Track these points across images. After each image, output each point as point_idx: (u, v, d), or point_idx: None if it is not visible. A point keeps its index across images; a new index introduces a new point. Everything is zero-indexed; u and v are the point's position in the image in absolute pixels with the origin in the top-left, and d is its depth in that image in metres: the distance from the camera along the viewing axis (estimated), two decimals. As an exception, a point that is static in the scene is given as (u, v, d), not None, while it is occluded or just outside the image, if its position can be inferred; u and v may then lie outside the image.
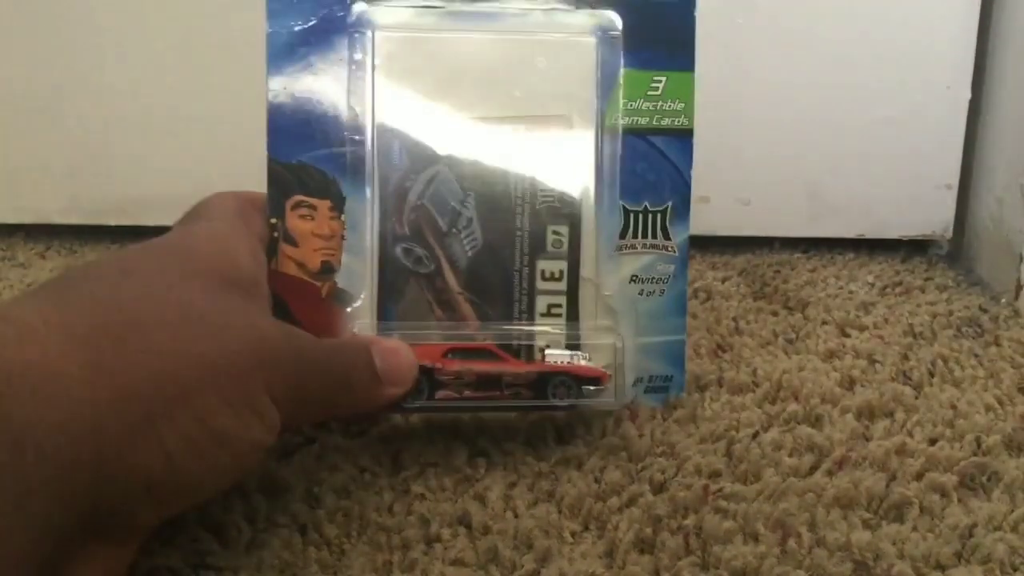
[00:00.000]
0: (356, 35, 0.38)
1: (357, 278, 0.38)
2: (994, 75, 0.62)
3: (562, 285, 0.39)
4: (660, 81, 0.39)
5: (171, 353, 0.27)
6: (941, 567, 0.32)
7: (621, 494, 0.35)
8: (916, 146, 0.64)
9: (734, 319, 0.53)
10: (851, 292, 0.58)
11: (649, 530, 0.33)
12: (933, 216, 0.65)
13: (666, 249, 0.40)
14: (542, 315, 0.39)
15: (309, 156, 0.38)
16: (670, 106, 0.40)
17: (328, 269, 0.38)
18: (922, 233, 0.66)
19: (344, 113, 0.38)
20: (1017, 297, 0.56)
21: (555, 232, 0.39)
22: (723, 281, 0.60)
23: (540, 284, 0.39)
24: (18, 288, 0.60)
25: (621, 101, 0.39)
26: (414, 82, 0.39)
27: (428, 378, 0.37)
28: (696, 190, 0.65)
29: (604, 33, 0.39)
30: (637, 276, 0.40)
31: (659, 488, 0.36)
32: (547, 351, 0.39)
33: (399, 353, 0.35)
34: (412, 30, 0.39)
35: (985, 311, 0.54)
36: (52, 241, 0.69)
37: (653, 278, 0.40)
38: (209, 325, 0.29)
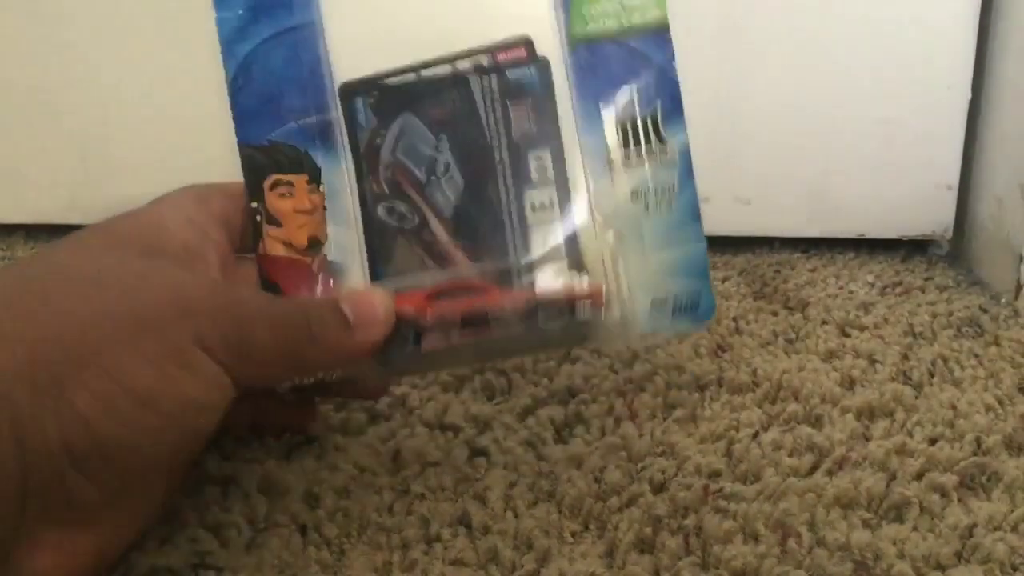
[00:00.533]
0: (302, 3, 0.37)
1: (346, 247, 0.37)
2: (994, 75, 0.62)
3: (555, 213, 0.37)
4: None
5: (77, 315, 0.27)
6: (941, 567, 0.32)
7: (621, 494, 0.35)
8: (916, 146, 0.64)
9: (734, 319, 0.53)
10: (851, 292, 0.58)
11: (649, 530, 0.33)
12: (933, 216, 0.65)
13: (663, 154, 0.38)
14: (540, 251, 0.37)
15: (278, 133, 0.37)
16: (637, 2, 0.37)
17: (315, 243, 0.37)
18: (922, 233, 0.66)
19: (304, 83, 0.37)
20: (1017, 297, 0.56)
21: (537, 158, 0.37)
22: (723, 281, 0.60)
23: (531, 216, 0.37)
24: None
25: (583, 5, 0.37)
26: (366, 35, 0.37)
27: (411, 327, 0.35)
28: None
29: None
30: (637, 192, 0.38)
31: (659, 488, 0.36)
32: (537, 275, 0.36)
33: (368, 296, 0.34)
34: None
35: (985, 311, 0.54)
36: (52, 241, 0.69)
37: (656, 190, 0.38)
38: (121, 286, 0.29)
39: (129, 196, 0.71)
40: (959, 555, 0.32)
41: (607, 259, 0.37)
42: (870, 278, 0.61)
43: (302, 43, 0.37)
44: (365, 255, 0.37)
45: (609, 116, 0.37)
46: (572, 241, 0.37)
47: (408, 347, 0.35)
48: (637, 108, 0.37)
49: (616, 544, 0.33)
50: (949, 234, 0.65)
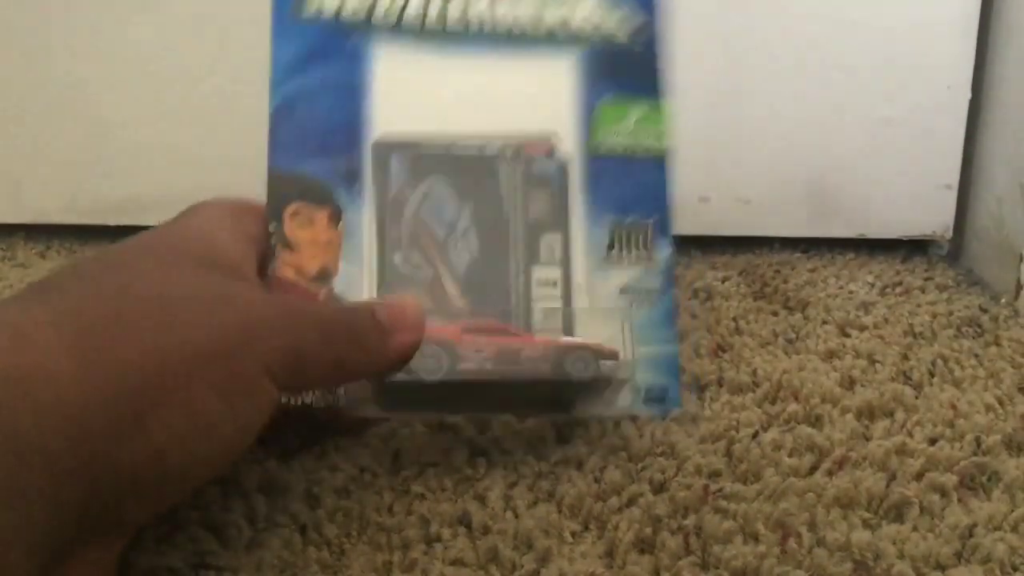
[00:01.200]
0: (356, 59, 0.40)
1: (355, 285, 0.39)
2: (994, 75, 0.62)
3: (558, 291, 0.40)
4: (637, 109, 0.42)
5: (153, 345, 0.27)
6: (941, 567, 0.32)
7: (621, 494, 0.35)
8: (916, 146, 0.64)
9: (734, 319, 0.53)
10: (851, 292, 0.58)
11: (649, 530, 0.33)
12: (933, 216, 0.65)
13: (650, 263, 0.41)
14: (539, 320, 0.40)
15: (308, 166, 0.39)
16: (648, 131, 0.42)
17: (325, 275, 0.39)
18: (922, 233, 0.66)
19: (342, 126, 0.39)
20: (1017, 297, 0.56)
21: (549, 241, 0.40)
22: (723, 281, 0.60)
23: (537, 290, 0.40)
24: (18, 288, 0.60)
25: (600, 127, 0.41)
26: (410, 98, 0.40)
27: (448, 351, 0.37)
28: (696, 190, 0.66)
29: (581, 66, 0.42)
30: (627, 287, 0.41)
31: (659, 488, 0.36)
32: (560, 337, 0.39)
33: (400, 303, 0.35)
34: (409, 54, 0.41)
35: (985, 311, 0.54)
36: (52, 241, 0.69)
37: (641, 290, 0.41)
38: (192, 309, 0.29)
39: (129, 196, 0.71)
40: (959, 555, 0.32)
41: (605, 336, 0.40)
42: (870, 278, 0.61)
43: (348, 94, 0.40)
44: (375, 296, 0.39)
45: (610, 219, 0.41)
46: (568, 315, 0.40)
47: (442, 370, 0.37)
48: (632, 219, 0.41)
49: (616, 544, 0.33)
50: (949, 234, 0.65)
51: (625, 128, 0.42)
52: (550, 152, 0.41)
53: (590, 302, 0.41)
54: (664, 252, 0.42)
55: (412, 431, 0.40)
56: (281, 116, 0.39)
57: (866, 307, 0.55)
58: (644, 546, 0.33)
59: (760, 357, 0.48)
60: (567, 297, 0.40)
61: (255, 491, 0.36)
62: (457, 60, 0.41)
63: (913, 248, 0.67)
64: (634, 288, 0.41)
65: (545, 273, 0.40)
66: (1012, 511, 0.34)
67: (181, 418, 0.27)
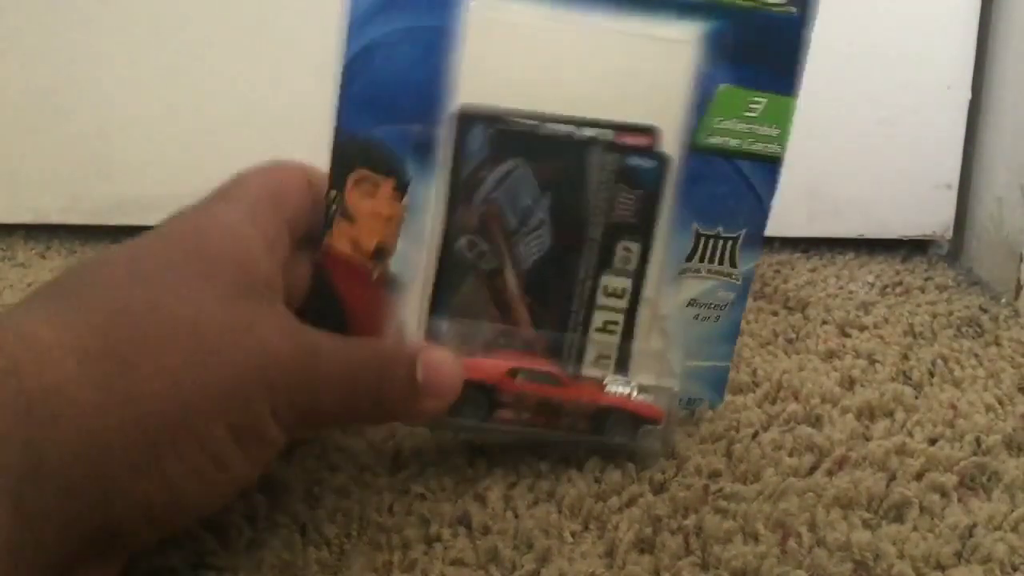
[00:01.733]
0: (446, 5, 0.35)
1: (411, 265, 0.36)
2: (994, 75, 0.62)
3: (623, 303, 0.38)
4: (759, 103, 0.37)
5: (179, 378, 0.27)
6: (941, 567, 0.32)
7: (621, 494, 0.35)
8: (916, 146, 0.64)
9: (734, 319, 0.53)
10: (851, 292, 0.58)
11: (649, 530, 0.33)
12: (933, 216, 0.65)
13: (730, 276, 0.38)
14: (597, 330, 0.38)
15: (379, 130, 0.35)
16: (764, 131, 0.37)
17: (382, 252, 0.36)
18: (922, 233, 0.66)
19: (424, 90, 0.35)
20: (1017, 297, 0.56)
21: (626, 248, 0.37)
22: (723, 281, 0.60)
23: (601, 299, 0.37)
24: (18, 288, 0.60)
25: (714, 118, 0.36)
26: (504, 66, 0.36)
27: (488, 396, 0.36)
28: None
29: (708, 42, 0.36)
30: (695, 300, 0.38)
31: (659, 488, 0.36)
32: (608, 378, 0.38)
33: (445, 365, 0.33)
34: (510, 8, 0.35)
35: (985, 311, 0.54)
36: (52, 241, 0.69)
37: (711, 304, 0.39)
38: (218, 344, 0.28)
39: (129, 196, 0.71)
40: (959, 555, 0.32)
41: (653, 358, 0.38)
42: (870, 278, 0.61)
43: (432, 46, 0.35)
44: (431, 280, 0.37)
45: (698, 227, 0.38)
46: (629, 329, 0.38)
47: (480, 416, 0.36)
48: (723, 228, 0.38)
49: (616, 544, 0.33)
50: (949, 234, 0.65)
51: (741, 122, 0.37)
52: (650, 146, 0.36)
53: (653, 315, 0.38)
54: (748, 264, 0.38)
55: (412, 431, 0.40)
56: (355, 70, 0.35)
57: (866, 307, 0.55)
58: (644, 546, 0.33)
59: (760, 357, 0.48)
60: (631, 310, 0.38)
61: (255, 491, 0.36)
62: (563, 15, 0.35)
63: (913, 248, 0.67)
64: (703, 301, 0.38)
65: (614, 283, 0.37)
66: (1012, 511, 0.34)
67: (197, 456, 0.27)
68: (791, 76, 0.37)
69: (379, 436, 0.40)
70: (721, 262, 0.38)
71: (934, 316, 0.53)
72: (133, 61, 0.65)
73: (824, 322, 0.53)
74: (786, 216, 0.66)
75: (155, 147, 0.66)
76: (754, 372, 0.46)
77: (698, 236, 0.38)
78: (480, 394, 0.35)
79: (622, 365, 0.38)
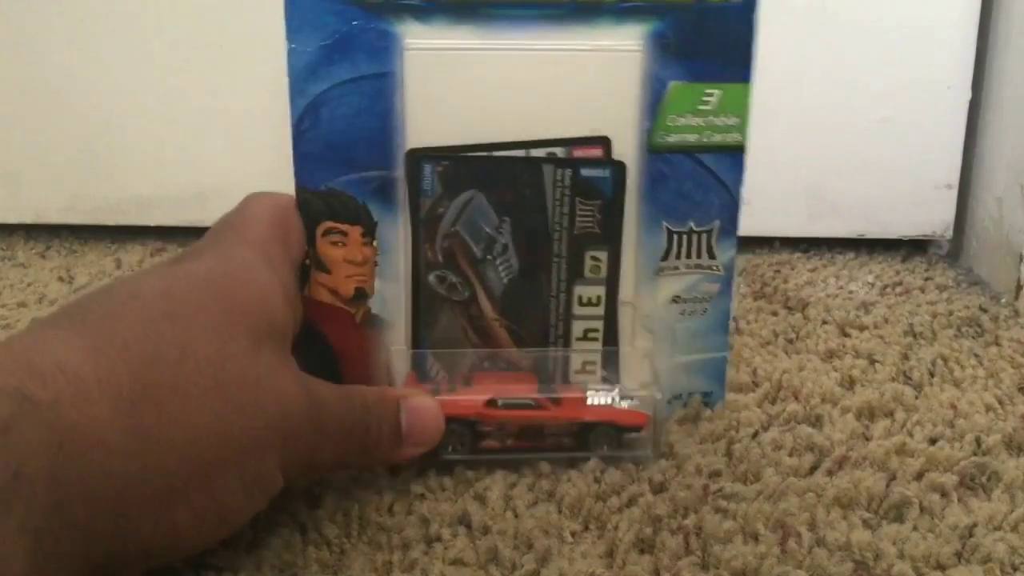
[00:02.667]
0: (383, 53, 0.35)
1: (391, 304, 0.38)
2: (994, 75, 0.62)
3: (599, 310, 0.38)
4: (712, 95, 0.36)
5: (202, 429, 0.28)
6: (941, 567, 0.32)
7: (621, 494, 0.35)
8: (916, 146, 0.64)
9: (734, 319, 0.53)
10: (851, 292, 0.58)
11: (649, 530, 0.33)
12: (933, 216, 0.65)
13: (711, 269, 0.38)
14: (578, 339, 0.38)
15: (338, 181, 0.36)
16: (722, 121, 0.37)
17: (362, 295, 0.38)
18: (922, 233, 0.66)
19: (374, 137, 0.36)
20: (1017, 297, 0.56)
21: (593, 258, 0.38)
22: (723, 281, 0.60)
23: (577, 310, 0.38)
24: (18, 288, 0.60)
25: (668, 116, 0.36)
26: (446, 103, 0.36)
27: (471, 429, 0.37)
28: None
29: (652, 43, 0.36)
30: (679, 297, 0.39)
31: (659, 488, 0.36)
32: (588, 390, 0.38)
33: (427, 412, 0.35)
34: (443, 46, 0.36)
35: (985, 311, 0.54)
36: (52, 241, 0.69)
37: (696, 298, 0.39)
38: (241, 396, 0.29)
39: (129, 196, 0.71)
40: (959, 555, 0.32)
41: (639, 361, 0.39)
42: (870, 278, 0.61)
43: (377, 94, 0.36)
44: (409, 316, 0.38)
45: (668, 225, 0.38)
46: (611, 334, 0.38)
47: (465, 450, 0.37)
48: (694, 223, 0.38)
49: (616, 544, 0.33)
50: (949, 234, 0.65)
51: (696, 117, 0.37)
52: (604, 156, 0.37)
53: (637, 317, 0.38)
54: (727, 254, 0.38)
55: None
56: (305, 126, 0.36)
57: (866, 307, 0.55)
58: (644, 546, 0.33)
59: (760, 357, 0.48)
60: (610, 316, 0.38)
61: (255, 491, 0.36)
62: (500, 41, 0.35)
63: (913, 248, 0.67)
64: (687, 297, 0.39)
65: (588, 292, 0.38)
66: (1012, 511, 0.34)
67: (205, 504, 0.28)
68: (742, 64, 0.36)
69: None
70: (699, 256, 0.38)
71: (934, 316, 0.53)
72: (133, 61, 0.65)
73: (824, 322, 0.53)
74: (786, 216, 0.66)
75: (155, 147, 0.66)
76: (754, 372, 0.46)
77: (670, 234, 0.38)
78: (463, 428, 0.36)
79: (610, 369, 0.39)
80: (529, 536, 0.33)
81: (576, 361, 0.39)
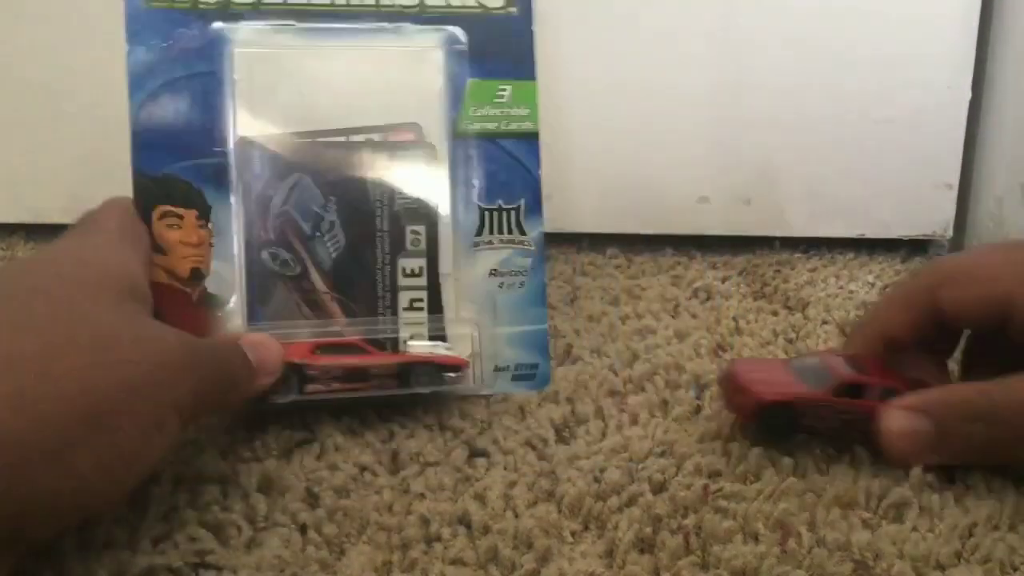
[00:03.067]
0: (213, 53, 0.41)
1: (226, 283, 0.41)
2: (994, 75, 0.62)
3: (422, 280, 0.42)
4: (505, 89, 0.43)
5: (89, 379, 0.28)
6: (941, 567, 0.32)
7: (621, 494, 0.35)
8: (916, 146, 0.64)
9: (734, 319, 0.53)
10: (851, 292, 0.58)
11: (649, 530, 0.33)
12: (933, 216, 0.65)
13: (523, 244, 0.43)
14: (405, 309, 0.42)
15: (175, 167, 0.40)
16: (516, 112, 0.43)
17: (198, 275, 0.40)
18: (922, 233, 0.66)
19: (206, 126, 0.40)
20: (1017, 297, 0.55)
21: (413, 231, 0.42)
22: (723, 281, 0.60)
23: (402, 280, 0.42)
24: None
25: (470, 107, 0.42)
26: (272, 96, 0.41)
27: (298, 374, 0.39)
28: (696, 190, 0.66)
29: (450, 47, 0.42)
30: (496, 270, 0.43)
31: (659, 488, 0.36)
32: (410, 343, 0.41)
33: (266, 345, 0.37)
34: (267, 46, 0.41)
35: (985, 311, 0.54)
36: (52, 240, 0.69)
37: (512, 271, 0.43)
38: (119, 347, 0.30)
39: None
40: (959, 555, 0.32)
41: (463, 326, 0.42)
42: (870, 278, 0.61)
43: (209, 88, 0.41)
44: (244, 293, 0.41)
45: (479, 202, 0.43)
46: (435, 304, 0.42)
47: (293, 393, 0.39)
48: (503, 201, 0.43)
49: (616, 544, 0.33)
50: (949, 234, 0.65)
51: (494, 108, 0.42)
52: (416, 140, 0.42)
53: (457, 288, 0.42)
54: (535, 230, 0.43)
55: (412, 431, 0.40)
56: (143, 118, 0.41)
57: (866, 307, 0.55)
58: (644, 546, 0.33)
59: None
60: (433, 287, 0.42)
61: (255, 491, 0.36)
62: (320, 40, 0.41)
63: (913, 248, 0.67)
64: (503, 270, 0.43)
65: (410, 264, 0.41)
66: (1012, 511, 0.34)
67: (106, 451, 0.28)
68: (527, 64, 0.43)
69: (379, 436, 0.40)
70: (510, 231, 0.43)
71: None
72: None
73: (824, 322, 0.53)
74: (786, 216, 0.66)
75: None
76: (754, 372, 0.46)
77: (481, 211, 0.43)
78: (291, 373, 0.38)
79: (436, 338, 0.42)
80: (529, 536, 0.33)
81: (405, 331, 0.42)
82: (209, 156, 0.40)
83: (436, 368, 0.40)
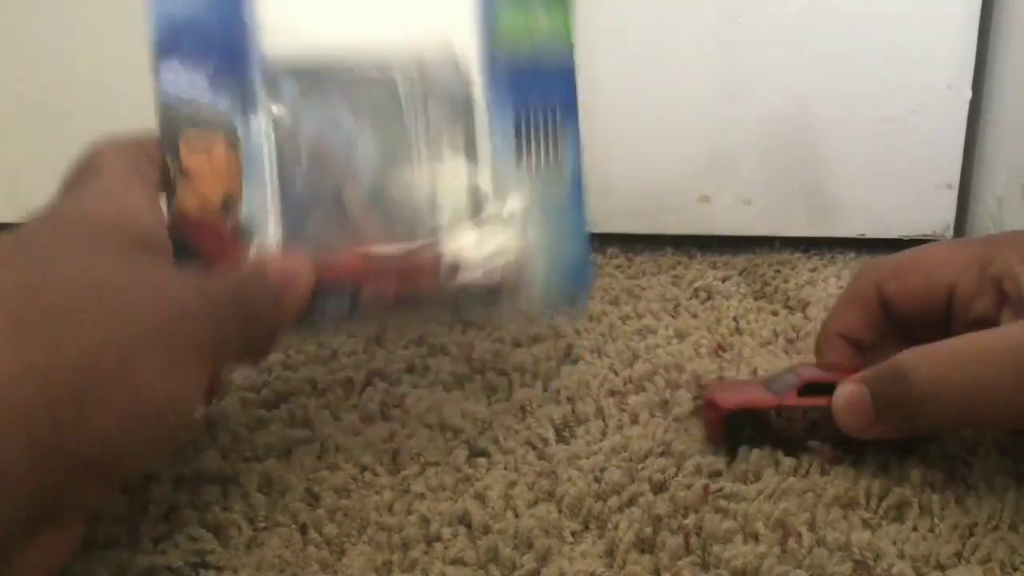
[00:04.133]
0: None
1: (260, 210, 0.38)
2: (994, 75, 0.62)
3: (463, 195, 0.40)
4: (539, 4, 0.41)
5: (99, 333, 0.28)
6: (941, 567, 0.32)
7: (621, 494, 0.35)
8: (916, 146, 0.64)
9: (734, 318, 0.53)
10: (851, 292, 0.58)
11: (649, 530, 0.33)
12: (933, 216, 0.65)
13: (558, 170, 0.41)
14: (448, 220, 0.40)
15: (200, 91, 0.38)
16: (551, 25, 0.41)
17: (229, 203, 0.38)
18: (922, 233, 0.66)
19: (232, 48, 0.38)
20: (1017, 297, 0.55)
21: (451, 141, 0.40)
22: (723, 280, 0.60)
23: (442, 197, 0.40)
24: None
25: (503, 24, 0.40)
26: (299, 9, 0.39)
27: (351, 296, 0.37)
28: (696, 190, 0.66)
29: None
30: (536, 199, 0.41)
31: (659, 488, 0.36)
32: (461, 267, 0.39)
33: (292, 265, 0.36)
34: None
35: (985, 311, 0.54)
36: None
37: (551, 198, 0.41)
38: (125, 299, 0.29)
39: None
40: (959, 555, 0.32)
41: (509, 230, 0.40)
42: (870, 278, 0.61)
43: (234, 9, 0.38)
44: (280, 219, 0.38)
45: (515, 121, 0.41)
46: (478, 207, 0.40)
47: (344, 317, 0.37)
48: (539, 118, 0.41)
49: (616, 544, 0.33)
50: (950, 234, 0.65)
51: (529, 21, 0.41)
52: (450, 58, 0.40)
53: (498, 211, 0.40)
54: (571, 159, 0.41)
55: (412, 431, 0.40)
56: (164, 39, 0.38)
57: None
58: (644, 546, 0.33)
59: (760, 357, 0.48)
60: (476, 204, 0.40)
61: (255, 490, 0.36)
62: None
63: (913, 248, 0.67)
64: (543, 199, 0.41)
65: (450, 170, 0.40)
66: (1012, 511, 0.34)
67: (126, 403, 0.28)
68: None
69: (379, 436, 0.40)
70: (547, 155, 0.41)
71: (934, 316, 0.53)
72: (133, 61, 0.65)
73: (824, 322, 0.53)
74: (786, 216, 0.66)
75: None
76: (754, 372, 0.46)
77: (518, 131, 0.41)
78: (344, 296, 0.37)
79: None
80: (529, 536, 0.33)
81: (446, 217, 0.40)
82: (235, 78, 0.38)
83: (488, 291, 0.39)
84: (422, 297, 0.38)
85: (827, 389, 0.37)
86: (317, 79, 0.39)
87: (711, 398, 0.39)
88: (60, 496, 0.27)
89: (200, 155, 0.38)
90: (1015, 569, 0.31)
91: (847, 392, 0.36)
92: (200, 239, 0.37)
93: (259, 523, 0.34)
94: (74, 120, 0.66)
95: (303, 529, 0.34)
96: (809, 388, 0.38)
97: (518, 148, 0.41)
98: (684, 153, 0.65)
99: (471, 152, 0.40)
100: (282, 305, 0.35)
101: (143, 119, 0.69)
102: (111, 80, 0.66)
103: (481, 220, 0.40)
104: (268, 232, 0.38)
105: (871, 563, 0.31)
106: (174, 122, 0.38)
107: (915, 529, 0.33)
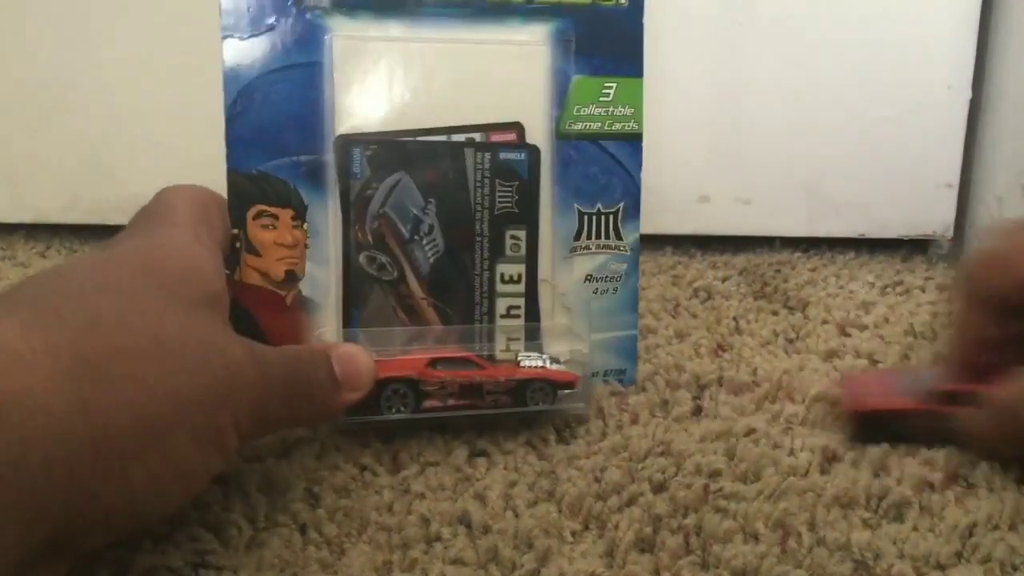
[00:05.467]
0: (313, 43, 0.39)
1: (321, 286, 0.39)
2: (994, 75, 0.62)
3: (520, 287, 0.41)
4: (611, 87, 0.41)
5: (148, 389, 0.27)
6: (941, 567, 0.32)
7: (621, 494, 0.35)
8: (916, 146, 0.64)
9: (734, 318, 0.53)
10: (851, 292, 0.58)
11: (649, 530, 0.33)
12: (933, 216, 0.65)
13: (618, 249, 0.42)
14: (502, 316, 0.41)
15: (269, 165, 0.38)
16: (620, 111, 0.41)
17: (292, 278, 0.39)
18: (922, 233, 0.66)
19: (302, 121, 0.39)
20: (1017, 297, 0.55)
21: (513, 236, 0.40)
22: (723, 280, 0.60)
23: (500, 287, 0.41)
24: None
25: (573, 107, 0.41)
26: (372, 90, 0.39)
27: (413, 389, 0.38)
28: (696, 189, 0.66)
29: (555, 40, 0.40)
30: (591, 275, 0.42)
31: (659, 488, 0.36)
32: (520, 355, 0.40)
33: (357, 358, 0.36)
34: (368, 36, 0.39)
35: (985, 311, 0.54)
36: (52, 240, 0.69)
37: (607, 277, 0.42)
38: (184, 356, 0.29)
39: (129, 196, 0.71)
40: (959, 555, 0.32)
41: (576, 341, 0.42)
42: (870, 278, 0.61)
43: (307, 81, 0.38)
44: (340, 297, 0.39)
45: (579, 206, 0.42)
46: (532, 311, 0.41)
47: (408, 409, 0.38)
48: (602, 205, 0.42)
49: (616, 543, 0.33)
50: (950, 234, 0.65)
51: (598, 107, 0.41)
52: (518, 139, 0.40)
53: (555, 295, 0.41)
54: (632, 236, 0.42)
55: (412, 431, 0.40)
56: (236, 112, 0.38)
57: (866, 307, 0.55)
58: (644, 546, 0.33)
59: (760, 357, 0.48)
60: (531, 294, 0.41)
61: (255, 491, 0.36)
62: (420, 33, 0.39)
63: (913, 248, 0.67)
64: (599, 275, 0.42)
65: (509, 270, 0.40)
66: (1012, 510, 0.34)
67: (161, 465, 0.28)
68: (634, 60, 0.41)
69: (379, 436, 0.40)
70: (607, 236, 0.42)
71: (934, 316, 0.53)
72: (133, 61, 0.65)
73: (824, 322, 0.53)
74: (786, 216, 0.66)
75: (155, 147, 0.66)
76: (754, 372, 0.46)
77: (581, 215, 0.42)
78: (406, 388, 0.38)
79: (533, 345, 0.41)
80: (529, 536, 0.33)
81: (500, 339, 0.41)
82: (306, 152, 0.38)
83: (550, 385, 0.39)
84: (486, 389, 0.39)
85: (965, 398, 0.37)
86: (387, 152, 0.39)
87: (846, 395, 0.40)
88: (73, 537, 0.27)
89: (266, 230, 0.39)
90: (1015, 569, 0.31)
91: (970, 417, 0.36)
92: (260, 308, 0.38)
93: (259, 523, 0.34)
94: (74, 120, 0.66)
95: (303, 529, 0.34)
96: (947, 395, 0.38)
97: (575, 245, 0.41)
98: (684, 152, 0.65)
99: (532, 247, 0.41)
100: (340, 392, 0.35)
101: (143, 119, 0.69)
102: (111, 80, 0.66)
103: (540, 315, 0.41)
104: (328, 308, 0.39)
105: (871, 563, 0.31)
106: (242, 195, 0.38)
107: (915, 529, 0.33)
